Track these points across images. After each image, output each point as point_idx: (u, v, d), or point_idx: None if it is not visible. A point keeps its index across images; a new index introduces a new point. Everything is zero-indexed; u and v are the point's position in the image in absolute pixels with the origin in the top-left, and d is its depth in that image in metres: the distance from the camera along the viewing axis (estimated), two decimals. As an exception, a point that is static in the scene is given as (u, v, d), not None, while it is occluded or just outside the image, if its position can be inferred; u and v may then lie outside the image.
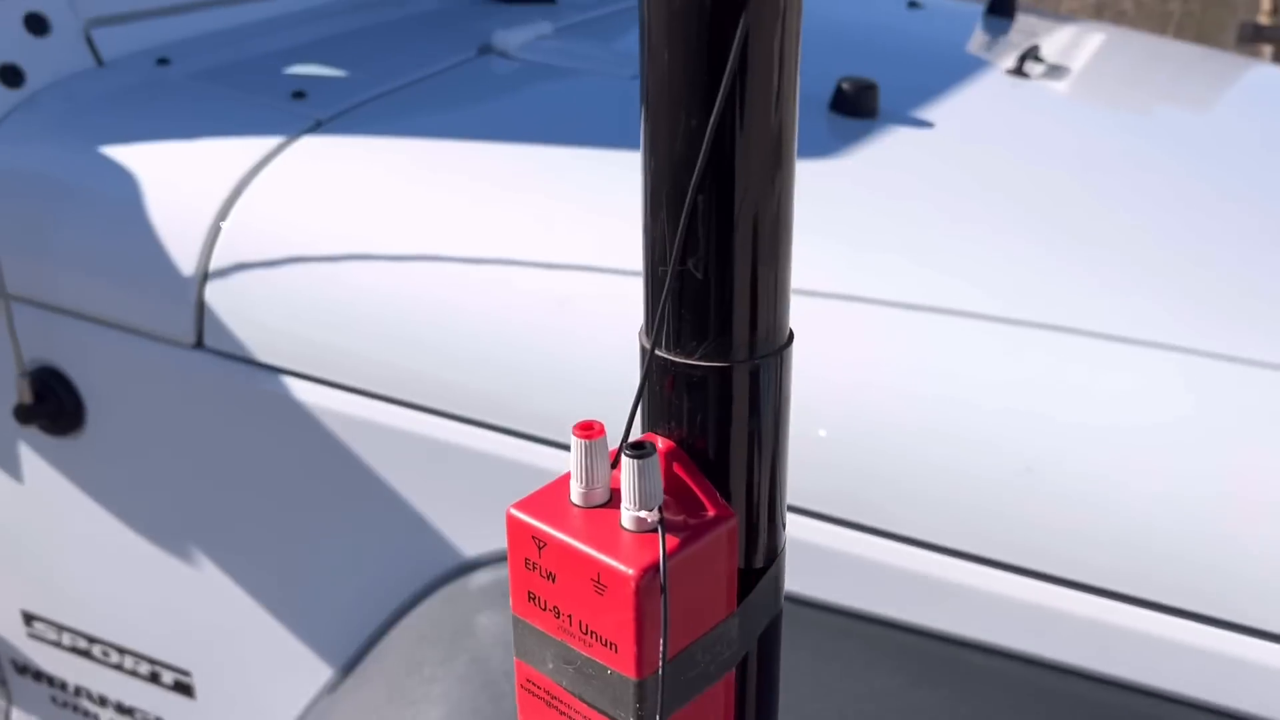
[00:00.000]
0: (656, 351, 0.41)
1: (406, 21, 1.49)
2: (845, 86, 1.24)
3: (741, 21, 0.35)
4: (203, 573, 1.12)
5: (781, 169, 0.40)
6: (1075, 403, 0.84)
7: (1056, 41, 1.77)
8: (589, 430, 0.41)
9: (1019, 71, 1.50)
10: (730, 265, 0.40)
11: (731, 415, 0.42)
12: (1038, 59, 1.57)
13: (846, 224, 1.02)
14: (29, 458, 1.18)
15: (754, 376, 0.41)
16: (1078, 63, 1.62)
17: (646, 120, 0.39)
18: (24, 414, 1.12)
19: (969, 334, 0.89)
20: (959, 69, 1.49)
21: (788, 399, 0.44)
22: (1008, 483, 0.82)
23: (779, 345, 0.42)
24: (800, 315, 0.92)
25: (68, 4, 1.21)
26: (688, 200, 0.38)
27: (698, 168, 0.37)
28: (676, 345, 0.41)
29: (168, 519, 1.14)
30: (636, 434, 0.43)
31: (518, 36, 1.37)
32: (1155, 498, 0.80)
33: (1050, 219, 1.06)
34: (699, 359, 0.41)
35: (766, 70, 0.37)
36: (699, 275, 0.40)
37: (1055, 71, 1.54)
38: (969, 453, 0.83)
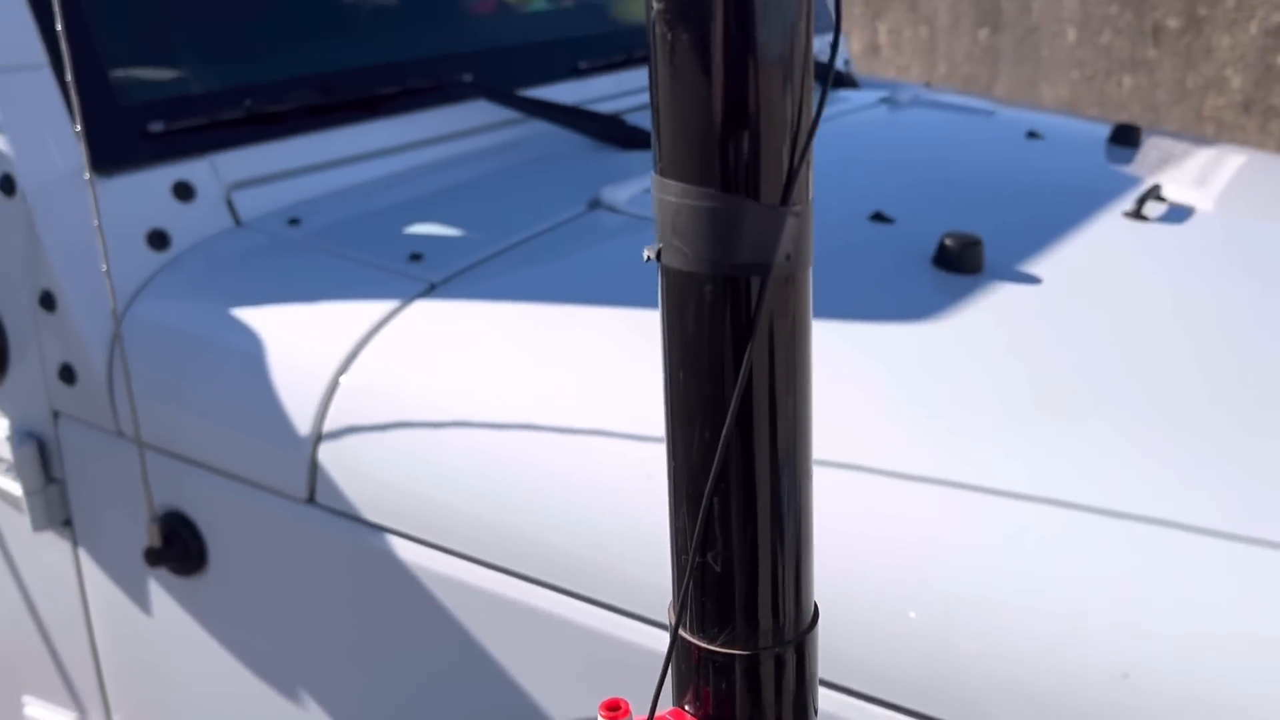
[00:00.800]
0: (681, 633, 0.42)
1: (521, 169, 1.56)
2: (949, 242, 1.24)
3: (746, 356, 0.36)
4: (307, 714, 1.16)
5: (795, 470, 0.41)
6: (1176, 607, 0.80)
7: (1183, 174, 1.72)
8: (615, 711, 0.42)
9: (1137, 214, 1.46)
10: (748, 560, 0.41)
11: (759, 699, 0.42)
12: (1159, 198, 1.53)
13: (941, 398, 1.01)
14: (157, 596, 1.25)
15: (778, 662, 0.42)
16: (1204, 200, 1.58)
17: (668, 427, 0.40)
18: (153, 557, 1.19)
19: (1070, 528, 0.86)
20: (1073, 212, 1.46)
21: (814, 678, 0.44)
22: (1105, 687, 0.78)
23: (802, 630, 0.43)
24: (891, 497, 0.91)
25: (212, 171, 1.32)
26: (704, 501, 0.40)
27: (711, 475, 0.39)
28: (700, 630, 0.42)
29: (278, 662, 1.19)
30: (663, 709, 0.44)
31: (625, 191, 1.41)
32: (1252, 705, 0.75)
33: (1155, 396, 1.03)
34: (722, 645, 0.42)
35: (772, 394, 0.38)
36: (717, 568, 0.41)
37: (1177, 213, 1.50)
38: (1065, 655, 0.80)
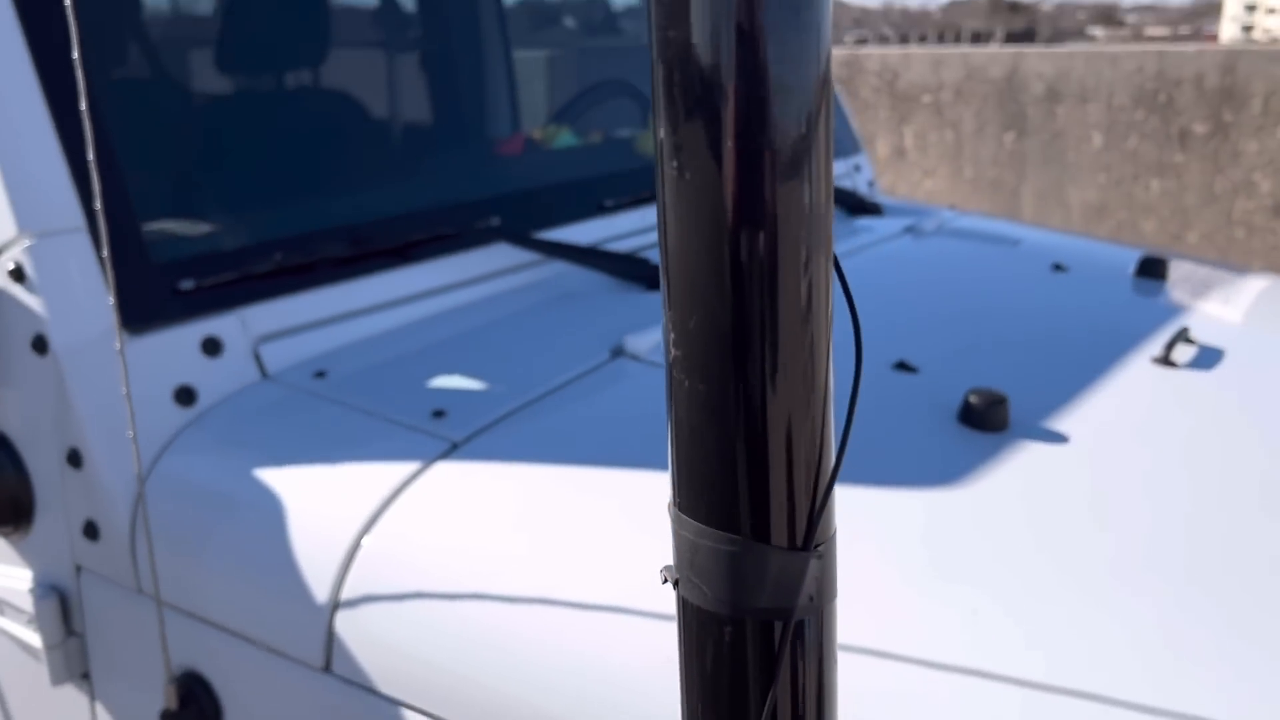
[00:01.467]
0: None
1: (544, 312, 1.57)
2: (974, 400, 1.23)
3: (769, 700, 0.36)
4: None
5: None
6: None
7: (1211, 311, 1.71)
8: None
9: (1166, 360, 1.45)
10: None
11: None
12: (1188, 340, 1.52)
13: (961, 571, 0.99)
14: (172, 757, 1.23)
15: None
16: (1234, 342, 1.56)
17: None
18: (169, 719, 1.17)
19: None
20: (1100, 359, 1.45)
21: None
22: None
23: None
24: (903, 679, 0.89)
25: (240, 325, 1.34)
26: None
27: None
28: None
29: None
30: None
31: (648, 339, 1.42)
32: None
33: (1187, 572, 1.00)
34: None
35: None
36: None
37: (1208, 357, 1.49)
38: None
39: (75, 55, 0.99)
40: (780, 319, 0.41)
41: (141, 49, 1.52)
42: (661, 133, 0.44)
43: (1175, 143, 5.09)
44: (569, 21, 2.45)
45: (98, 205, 1.06)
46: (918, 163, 6.02)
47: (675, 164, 0.42)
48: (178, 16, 1.57)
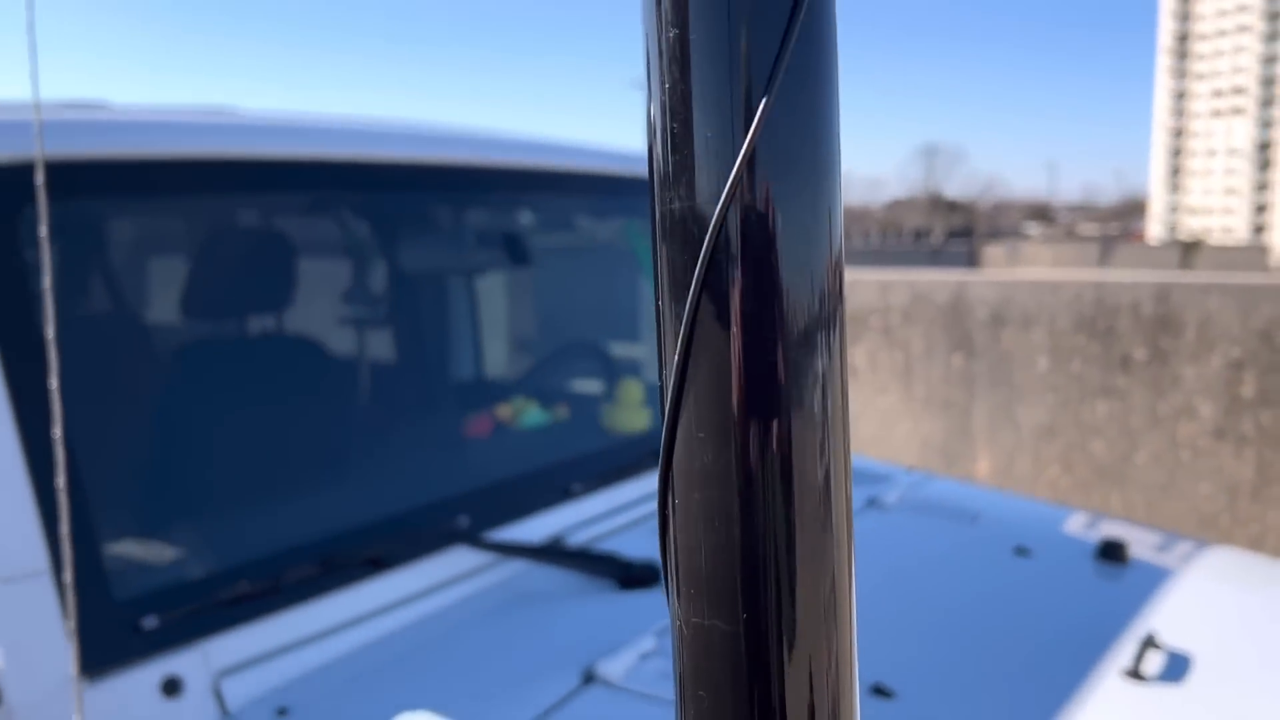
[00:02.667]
0: None
1: (511, 621, 1.55)
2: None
3: None
4: None
5: None
6: None
7: (1177, 602, 1.73)
8: None
9: (1135, 673, 1.45)
10: None
11: None
12: (1154, 645, 1.53)
13: None
14: None
15: None
16: (1203, 641, 1.57)
17: None
18: None
19: None
20: (1069, 671, 1.45)
21: None
22: None
23: None
24: None
25: (202, 660, 1.30)
26: None
27: None
28: None
29: None
30: None
31: (622, 661, 1.40)
32: None
33: None
34: None
35: None
36: None
37: (1176, 666, 1.49)
38: None
39: (54, 384, 0.99)
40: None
41: (110, 386, 1.53)
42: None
43: (1117, 367, 5.27)
44: (534, 278, 2.51)
45: (65, 545, 1.05)
46: (870, 381, 6.16)
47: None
48: (149, 363, 1.59)
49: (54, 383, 0.98)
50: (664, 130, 0.42)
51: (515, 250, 2.21)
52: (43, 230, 0.94)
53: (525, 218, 2.25)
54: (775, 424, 0.42)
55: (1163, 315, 5.13)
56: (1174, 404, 5.14)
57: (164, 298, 1.63)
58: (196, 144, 1.54)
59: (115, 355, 1.50)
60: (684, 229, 0.42)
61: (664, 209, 0.42)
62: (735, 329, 0.41)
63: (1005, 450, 5.62)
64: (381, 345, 1.95)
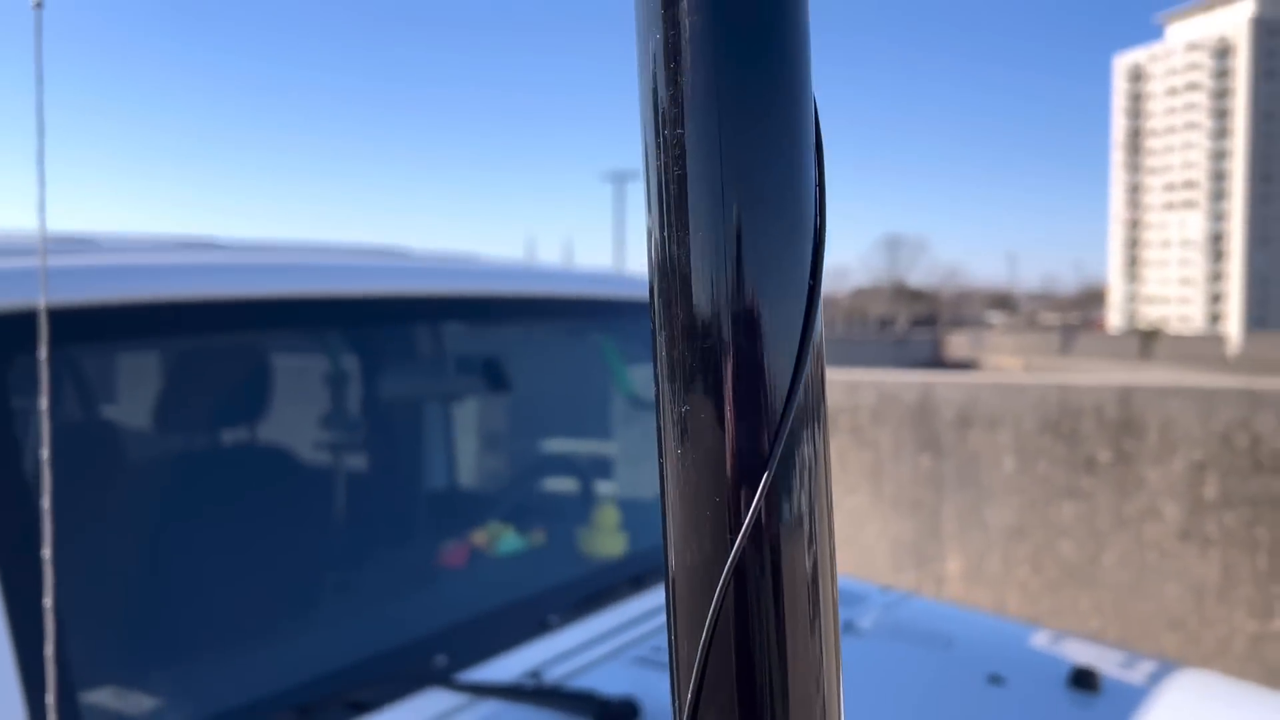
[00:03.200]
0: None
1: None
2: None
3: None
4: None
5: None
6: None
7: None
8: None
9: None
10: None
11: None
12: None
13: None
14: None
15: None
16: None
17: None
18: None
19: None
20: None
21: None
22: None
23: None
24: None
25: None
26: None
27: None
28: None
29: None
30: None
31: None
32: None
33: None
34: None
35: None
36: None
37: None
38: None
39: (46, 554, 0.99)
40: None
41: (84, 540, 1.53)
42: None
43: (1083, 469, 5.33)
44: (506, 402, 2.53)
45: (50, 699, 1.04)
46: (840, 479, 6.18)
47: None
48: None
49: (47, 553, 0.98)
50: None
51: (490, 375, 2.24)
52: (43, 381, 0.95)
53: (499, 343, 2.28)
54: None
55: (1125, 418, 5.22)
56: (1139, 505, 5.20)
57: (135, 448, 1.64)
58: (172, 288, 1.56)
59: (88, 510, 1.50)
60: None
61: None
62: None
63: (975, 550, 5.64)
64: (356, 479, 1.95)
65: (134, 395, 1.69)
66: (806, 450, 0.45)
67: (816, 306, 0.45)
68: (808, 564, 0.45)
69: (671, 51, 0.44)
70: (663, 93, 0.45)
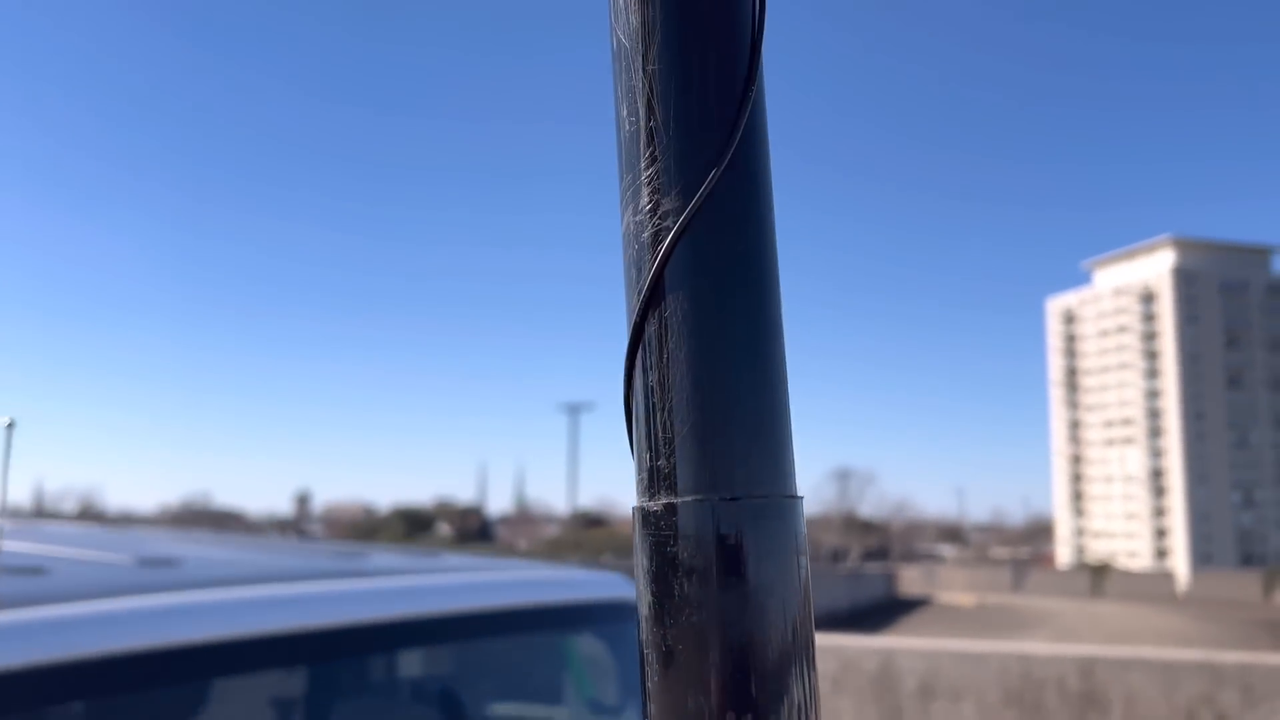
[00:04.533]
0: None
1: None
2: None
3: None
4: None
5: None
6: None
7: None
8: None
9: None
10: None
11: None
12: None
13: None
14: None
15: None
16: None
17: None
18: None
19: None
20: None
21: None
22: None
23: None
24: None
25: None
26: None
27: None
28: None
29: None
30: None
31: None
32: None
33: None
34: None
35: None
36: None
37: None
38: None
39: None
40: None
41: None
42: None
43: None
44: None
45: None
46: None
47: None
48: None
49: None
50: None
51: (447, 698, 2.15)
52: None
53: (459, 662, 2.21)
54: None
55: (1088, 690, 5.12)
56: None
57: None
58: (126, 640, 1.50)
59: None
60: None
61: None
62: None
63: (943, 832, 5.37)
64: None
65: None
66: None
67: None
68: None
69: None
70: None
